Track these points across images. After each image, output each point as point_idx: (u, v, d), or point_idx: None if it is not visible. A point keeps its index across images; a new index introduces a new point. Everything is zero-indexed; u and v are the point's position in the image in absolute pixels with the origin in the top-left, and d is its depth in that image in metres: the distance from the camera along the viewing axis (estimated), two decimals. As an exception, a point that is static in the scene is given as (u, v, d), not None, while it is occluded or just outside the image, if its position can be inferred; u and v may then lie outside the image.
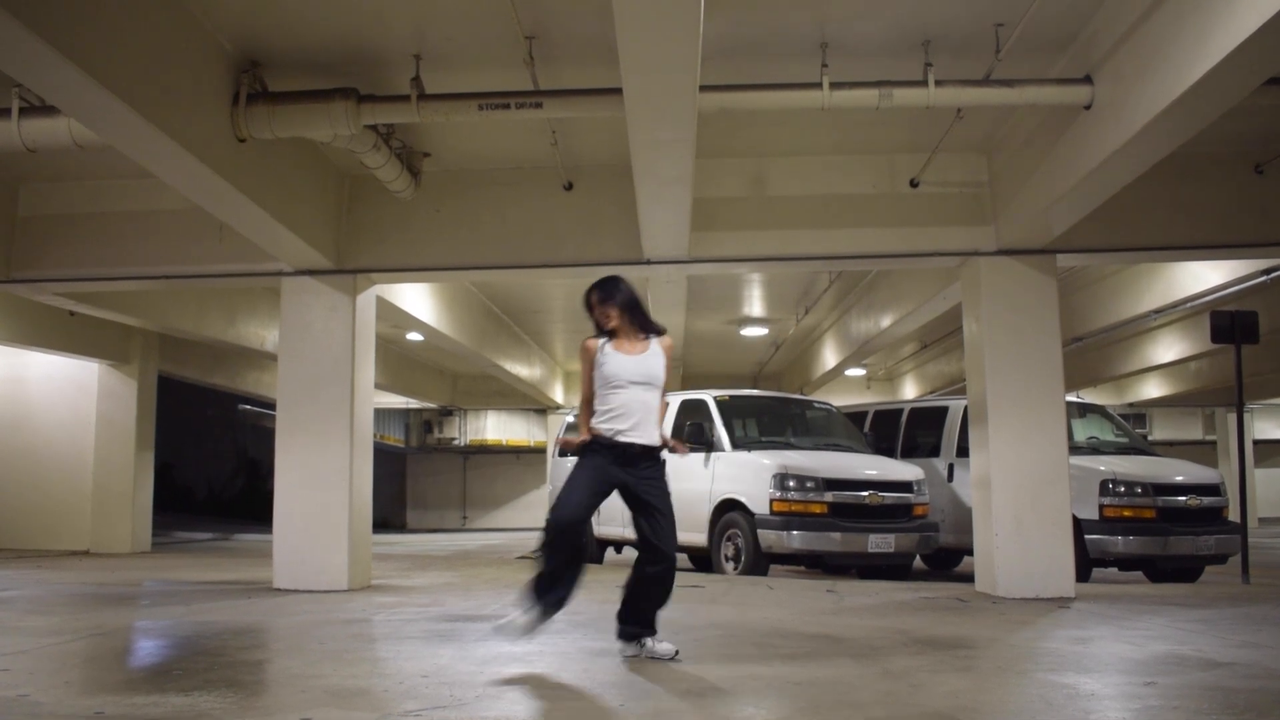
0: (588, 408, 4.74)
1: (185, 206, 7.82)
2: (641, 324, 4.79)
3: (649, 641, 4.69)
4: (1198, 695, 3.98)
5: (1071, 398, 10.29)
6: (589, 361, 4.73)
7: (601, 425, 4.63)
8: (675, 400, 11.08)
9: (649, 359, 4.72)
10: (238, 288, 12.28)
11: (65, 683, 4.20)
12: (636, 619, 4.71)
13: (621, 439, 4.59)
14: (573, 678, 4.31)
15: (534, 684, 4.15)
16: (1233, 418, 22.75)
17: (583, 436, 4.69)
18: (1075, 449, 9.11)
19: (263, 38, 6.27)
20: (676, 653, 4.67)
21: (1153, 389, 21.07)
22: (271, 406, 14.19)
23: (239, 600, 7.23)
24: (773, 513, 9.16)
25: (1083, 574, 8.60)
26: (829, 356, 16.36)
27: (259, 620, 6.22)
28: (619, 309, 4.72)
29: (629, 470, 4.61)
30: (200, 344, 14.28)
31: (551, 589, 4.56)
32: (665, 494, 4.67)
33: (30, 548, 12.93)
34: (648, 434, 4.65)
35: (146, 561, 11.58)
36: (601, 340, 4.73)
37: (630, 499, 4.66)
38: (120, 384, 13.46)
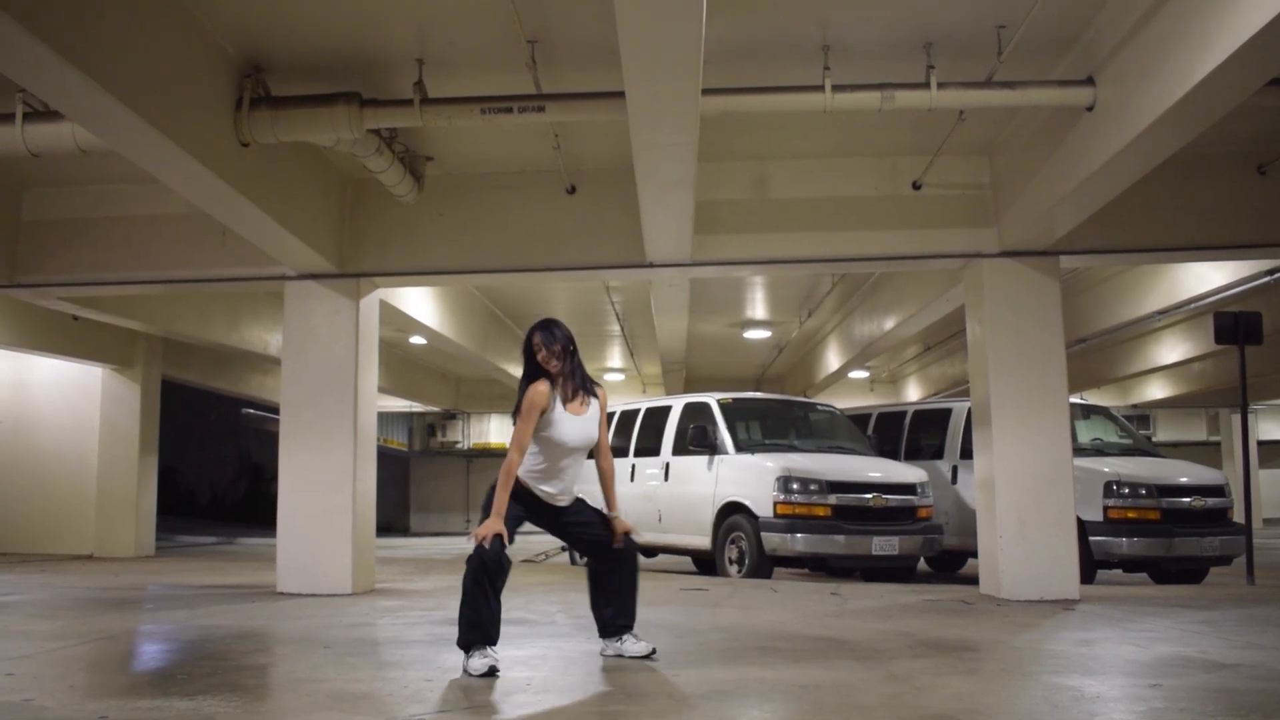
0: (521, 457, 4.49)
1: (188, 211, 7.84)
2: (581, 378, 4.65)
3: (627, 638, 4.74)
4: (1203, 697, 3.97)
5: (1075, 399, 10.28)
6: (538, 412, 4.48)
7: (532, 480, 4.58)
8: (679, 403, 11.09)
9: (589, 422, 4.63)
10: (241, 292, 12.29)
11: (70, 687, 4.21)
12: (613, 614, 4.76)
13: (547, 500, 4.62)
14: (576, 681, 4.31)
15: (538, 687, 4.14)
16: (1237, 419, 22.74)
17: (504, 497, 4.43)
18: (1079, 451, 9.11)
19: (265, 42, 6.28)
20: (653, 652, 4.71)
21: (1156, 390, 21.04)
22: (275, 410, 14.20)
23: (243, 604, 7.23)
24: (776, 515, 9.15)
25: (1087, 576, 8.58)
26: (832, 359, 16.36)
27: (263, 624, 6.22)
28: (563, 352, 4.57)
29: (550, 513, 4.67)
30: (203, 348, 14.31)
31: (489, 622, 4.37)
32: (588, 508, 4.78)
33: (34, 552, 12.94)
34: (571, 492, 4.71)
35: (150, 566, 11.60)
36: (553, 394, 4.55)
37: (557, 528, 4.74)
38: (124, 388, 13.47)
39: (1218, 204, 7.92)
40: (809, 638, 5.59)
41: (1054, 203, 6.84)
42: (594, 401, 4.68)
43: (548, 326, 4.60)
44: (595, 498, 4.84)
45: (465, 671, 4.30)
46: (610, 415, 11.30)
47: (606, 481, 4.88)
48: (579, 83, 6.46)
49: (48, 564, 11.43)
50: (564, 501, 4.68)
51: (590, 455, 4.80)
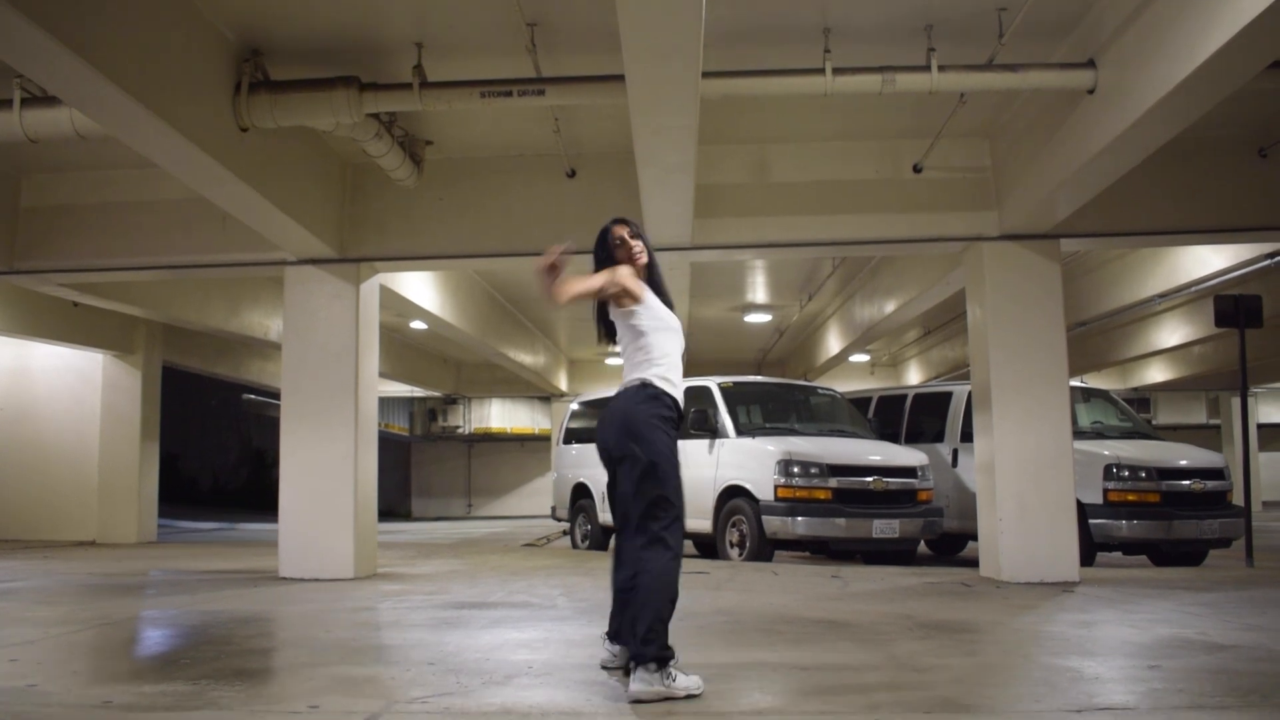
0: (573, 290, 3.70)
1: (188, 196, 7.81)
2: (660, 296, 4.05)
3: None
4: (1202, 678, 3.99)
5: (1075, 382, 10.29)
6: (637, 283, 3.93)
7: (660, 381, 3.83)
8: (679, 387, 11.07)
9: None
10: (241, 277, 12.26)
11: (73, 672, 4.23)
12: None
13: (679, 402, 3.89)
14: (579, 663, 4.32)
15: (540, 670, 4.16)
16: (1237, 402, 22.75)
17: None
18: (1079, 434, 9.12)
19: (264, 27, 6.26)
20: None
21: (1156, 373, 21.05)
22: (276, 396, 14.18)
23: (245, 589, 7.25)
24: (777, 499, 9.18)
25: (1087, 558, 8.61)
26: (833, 342, 16.35)
27: (265, 609, 6.25)
28: (648, 257, 4.08)
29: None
30: (204, 334, 14.29)
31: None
32: None
33: (36, 539, 12.98)
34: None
35: (152, 552, 11.62)
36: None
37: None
38: (124, 374, 13.47)
39: (1219, 187, 7.90)
40: (810, 620, 5.61)
41: (1055, 186, 6.83)
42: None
43: (629, 221, 4.10)
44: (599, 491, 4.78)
45: (679, 692, 3.59)
46: None
47: None
48: (579, 66, 6.44)
49: (50, 550, 11.46)
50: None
51: None
